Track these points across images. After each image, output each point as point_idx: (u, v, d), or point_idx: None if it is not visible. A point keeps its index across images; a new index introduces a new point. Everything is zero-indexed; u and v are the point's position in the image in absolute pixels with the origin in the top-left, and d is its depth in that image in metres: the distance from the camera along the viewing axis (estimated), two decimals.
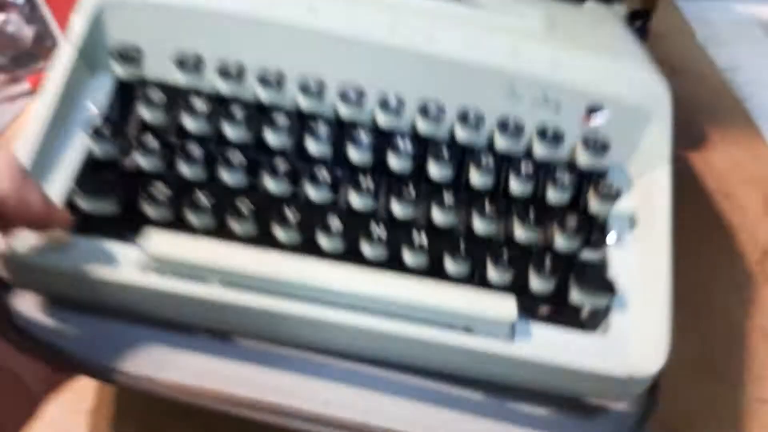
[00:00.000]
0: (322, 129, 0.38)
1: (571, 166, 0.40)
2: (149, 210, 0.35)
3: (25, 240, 0.33)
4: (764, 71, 0.74)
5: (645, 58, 0.43)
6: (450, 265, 0.36)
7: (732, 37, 0.80)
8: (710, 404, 0.43)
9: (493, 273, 0.36)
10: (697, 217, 0.42)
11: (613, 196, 0.38)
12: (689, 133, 0.65)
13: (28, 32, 0.71)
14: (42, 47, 0.70)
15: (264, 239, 0.36)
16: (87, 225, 0.35)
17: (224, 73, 0.38)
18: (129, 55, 0.38)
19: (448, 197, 0.37)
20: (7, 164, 0.30)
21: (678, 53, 0.75)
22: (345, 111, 0.39)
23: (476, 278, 0.37)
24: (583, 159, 0.40)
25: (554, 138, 0.39)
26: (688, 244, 0.40)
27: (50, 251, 0.33)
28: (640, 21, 0.55)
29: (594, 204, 0.39)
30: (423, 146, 0.39)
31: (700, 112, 0.68)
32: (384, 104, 0.39)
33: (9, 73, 0.70)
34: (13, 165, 0.30)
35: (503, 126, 0.39)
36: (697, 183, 0.59)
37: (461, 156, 0.39)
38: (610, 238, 0.39)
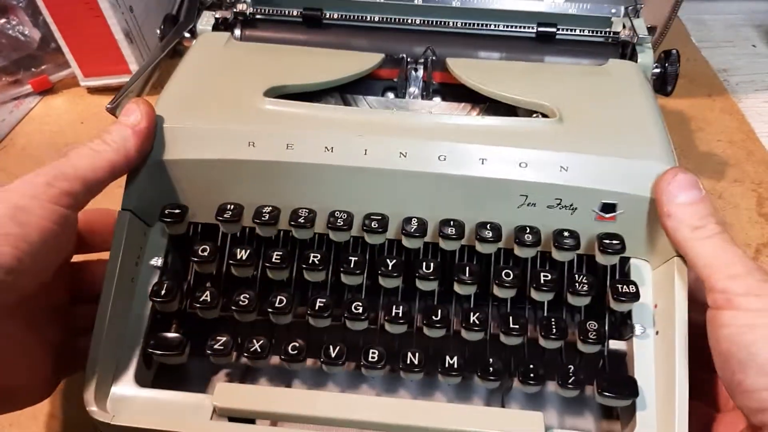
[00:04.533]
0: (352, 261, 0.42)
1: (590, 260, 0.43)
2: (215, 359, 0.41)
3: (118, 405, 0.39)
4: (757, 72, 0.76)
5: (657, 139, 0.43)
6: (480, 383, 0.40)
7: (726, 39, 0.82)
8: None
9: (522, 388, 0.39)
10: None
11: (631, 296, 0.40)
12: (683, 134, 0.67)
13: (31, 35, 0.73)
14: (45, 50, 0.73)
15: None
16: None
17: (260, 219, 0.42)
18: (175, 216, 0.43)
19: (473, 317, 0.41)
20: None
21: None
22: (371, 239, 0.43)
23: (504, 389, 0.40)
24: (600, 258, 0.42)
25: (570, 244, 0.41)
26: None
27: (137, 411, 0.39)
28: (669, 60, 0.54)
29: (614, 304, 0.41)
30: (446, 259, 0.43)
31: (694, 112, 0.70)
32: (406, 229, 0.42)
33: (11, 75, 0.73)
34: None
35: (520, 236, 0.42)
36: None
37: (483, 268, 0.42)
38: (637, 329, 0.41)
